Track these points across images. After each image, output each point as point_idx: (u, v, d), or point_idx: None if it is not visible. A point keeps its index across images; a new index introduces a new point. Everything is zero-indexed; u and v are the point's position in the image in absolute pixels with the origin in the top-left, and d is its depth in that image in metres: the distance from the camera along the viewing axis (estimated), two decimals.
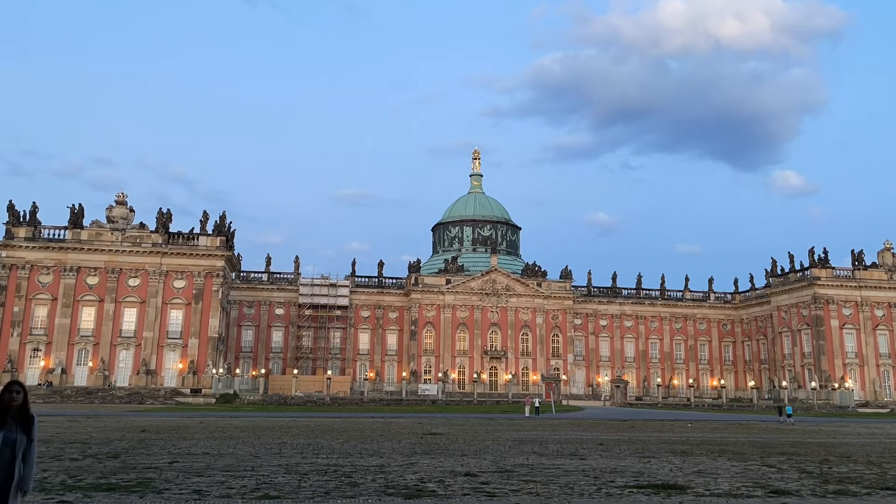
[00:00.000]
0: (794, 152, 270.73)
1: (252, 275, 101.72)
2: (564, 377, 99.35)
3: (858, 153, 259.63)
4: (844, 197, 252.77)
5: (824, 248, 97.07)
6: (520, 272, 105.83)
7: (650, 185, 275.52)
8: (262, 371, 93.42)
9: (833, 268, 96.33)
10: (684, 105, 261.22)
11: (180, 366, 79.42)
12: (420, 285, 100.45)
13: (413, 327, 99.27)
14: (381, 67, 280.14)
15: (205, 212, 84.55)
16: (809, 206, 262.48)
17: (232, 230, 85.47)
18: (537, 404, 57.61)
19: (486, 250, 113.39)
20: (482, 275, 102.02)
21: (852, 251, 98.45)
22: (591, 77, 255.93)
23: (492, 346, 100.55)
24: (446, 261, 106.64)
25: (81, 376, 77.76)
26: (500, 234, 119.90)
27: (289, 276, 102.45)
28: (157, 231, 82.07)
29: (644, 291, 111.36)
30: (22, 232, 78.83)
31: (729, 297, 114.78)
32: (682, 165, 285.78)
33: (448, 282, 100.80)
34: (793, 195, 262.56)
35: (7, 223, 79.00)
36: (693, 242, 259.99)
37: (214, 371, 79.09)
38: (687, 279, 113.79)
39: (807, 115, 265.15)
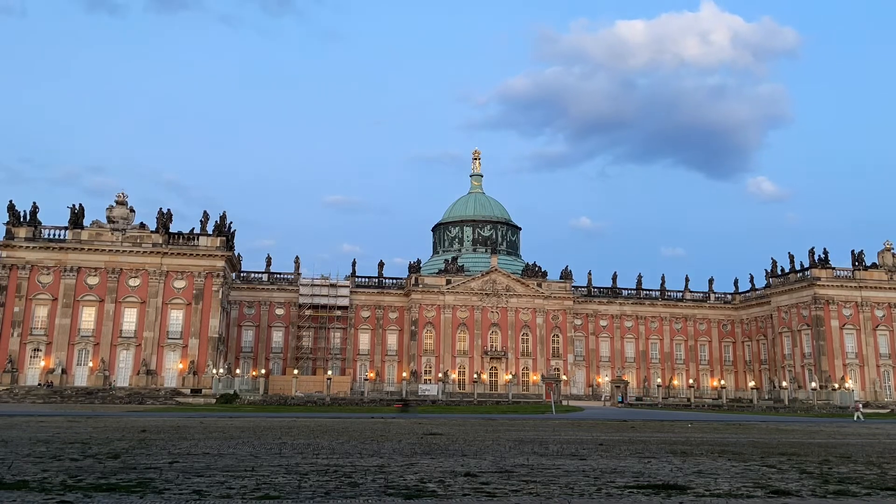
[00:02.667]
0: (763, 161, 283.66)
1: (252, 275, 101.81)
2: (564, 377, 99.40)
3: (822, 161, 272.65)
4: (814, 202, 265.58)
5: (824, 249, 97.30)
6: (520, 272, 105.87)
7: (629, 192, 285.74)
8: (263, 371, 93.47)
9: (833, 268, 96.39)
10: (654, 118, 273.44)
11: (180, 366, 79.44)
12: (420, 285, 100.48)
13: (413, 327, 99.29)
14: (359, 84, 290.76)
15: (205, 212, 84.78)
16: (783, 210, 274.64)
17: (232, 230, 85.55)
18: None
19: (486, 250, 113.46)
20: (482, 275, 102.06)
21: (852, 251, 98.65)
22: (562, 92, 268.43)
23: (492, 346, 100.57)
24: (446, 261, 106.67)
25: (82, 376, 77.79)
26: (501, 235, 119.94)
27: (289, 276, 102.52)
28: (157, 231, 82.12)
29: (644, 292, 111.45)
30: (22, 232, 78.87)
31: (729, 297, 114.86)
32: (658, 174, 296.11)
33: (448, 282, 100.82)
34: (766, 201, 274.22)
35: (7, 223, 79.06)
36: (676, 246, 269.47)
37: (215, 371, 79.12)
38: (687, 279, 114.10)
39: (772, 126, 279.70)
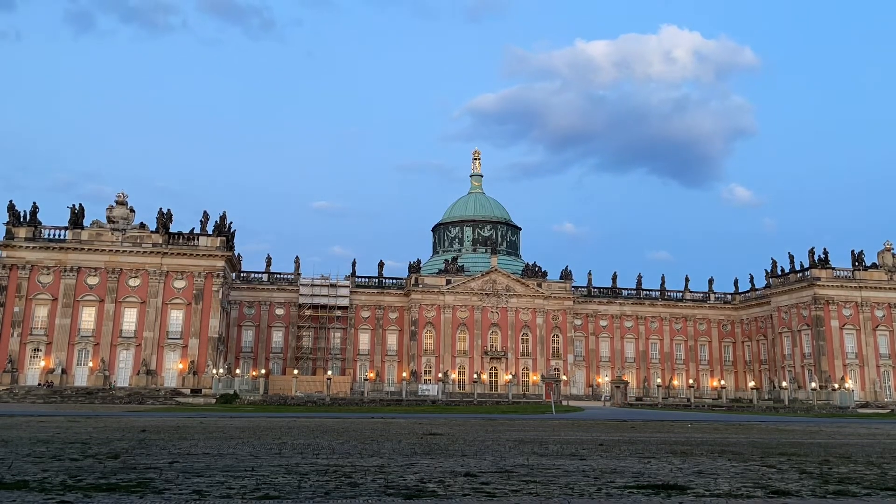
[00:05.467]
0: (732, 169, 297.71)
1: (252, 275, 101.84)
2: (564, 377, 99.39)
3: (792, 168, 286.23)
4: (789, 207, 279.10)
5: (824, 249, 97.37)
6: (520, 272, 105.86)
7: (608, 199, 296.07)
8: (263, 371, 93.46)
9: (833, 268, 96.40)
10: (624, 131, 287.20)
11: (180, 366, 79.44)
12: (420, 285, 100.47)
13: (413, 327, 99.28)
14: (338, 101, 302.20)
15: (205, 212, 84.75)
16: (759, 215, 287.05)
17: (232, 231, 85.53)
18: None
19: (486, 250, 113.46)
20: (482, 275, 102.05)
21: (852, 252, 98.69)
22: (534, 107, 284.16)
23: (492, 346, 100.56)
24: (446, 261, 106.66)
25: (82, 376, 77.79)
26: (500, 235, 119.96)
27: (289, 276, 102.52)
28: (157, 231, 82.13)
29: (644, 292, 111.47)
30: (22, 232, 78.87)
31: (729, 297, 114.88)
32: (636, 181, 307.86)
33: (448, 282, 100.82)
34: (742, 207, 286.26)
35: (7, 223, 79.06)
36: (661, 250, 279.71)
37: (215, 371, 79.12)
38: (687, 280, 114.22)
39: (738, 137, 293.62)
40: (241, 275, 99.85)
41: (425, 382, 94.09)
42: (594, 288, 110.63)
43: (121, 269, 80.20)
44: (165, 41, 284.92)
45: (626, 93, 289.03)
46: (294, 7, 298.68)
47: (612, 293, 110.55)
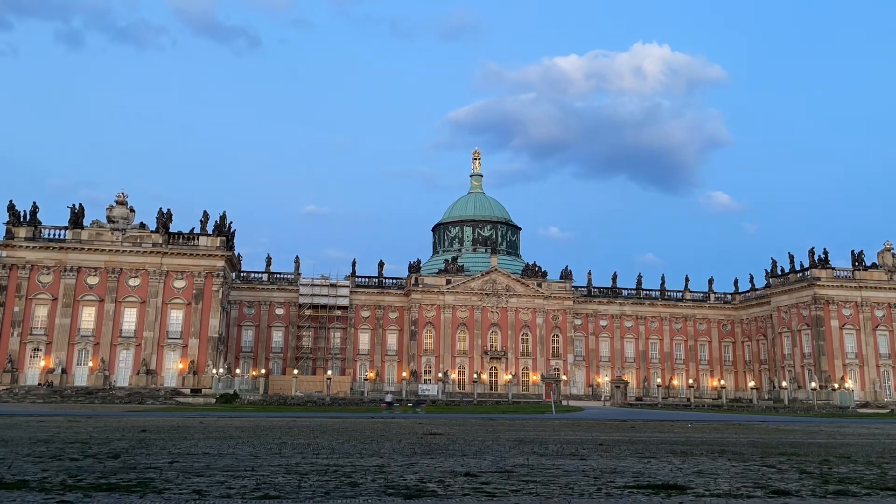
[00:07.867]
0: (709, 176, 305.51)
1: (252, 275, 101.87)
2: (564, 377, 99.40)
3: (766, 174, 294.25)
4: (769, 213, 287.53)
5: (824, 249, 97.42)
6: (520, 272, 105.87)
7: (591, 204, 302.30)
8: (262, 371, 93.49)
9: (833, 268, 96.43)
10: (601, 141, 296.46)
11: (180, 366, 79.45)
12: (420, 285, 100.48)
13: (413, 327, 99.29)
14: (322, 112, 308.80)
15: (205, 212, 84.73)
16: (739, 220, 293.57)
17: (232, 230, 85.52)
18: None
19: (486, 250, 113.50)
20: (482, 275, 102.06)
21: (852, 252, 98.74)
22: (515, 118, 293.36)
23: (492, 346, 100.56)
24: (446, 261, 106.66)
25: (82, 376, 77.81)
26: (501, 235, 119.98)
27: (289, 276, 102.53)
28: (157, 231, 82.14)
29: (644, 292, 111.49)
30: (22, 232, 78.88)
31: (729, 297, 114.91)
32: (618, 187, 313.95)
33: (448, 282, 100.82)
34: (721, 212, 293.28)
35: (7, 223, 79.07)
36: (647, 252, 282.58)
37: (214, 371, 79.13)
38: (687, 279, 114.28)
39: (712, 147, 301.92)
40: (241, 275, 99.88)
41: (425, 382, 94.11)
42: (594, 288, 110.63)
43: (121, 269, 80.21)
44: (155, 59, 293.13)
45: (600, 105, 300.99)
46: (278, 28, 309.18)
47: (612, 293, 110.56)
